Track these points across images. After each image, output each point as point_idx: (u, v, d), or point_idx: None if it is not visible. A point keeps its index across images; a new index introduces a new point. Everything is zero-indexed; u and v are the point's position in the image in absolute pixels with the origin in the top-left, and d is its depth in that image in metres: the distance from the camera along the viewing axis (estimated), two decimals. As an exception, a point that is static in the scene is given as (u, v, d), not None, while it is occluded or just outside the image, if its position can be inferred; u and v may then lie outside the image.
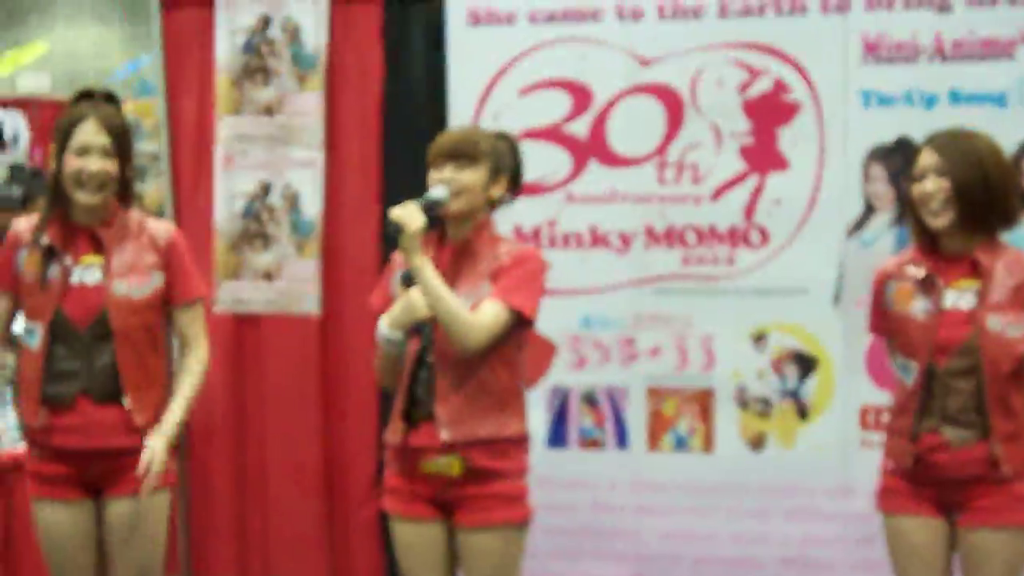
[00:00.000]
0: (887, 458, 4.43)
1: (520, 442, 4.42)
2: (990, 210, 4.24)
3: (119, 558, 4.50)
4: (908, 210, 4.41)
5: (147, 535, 4.50)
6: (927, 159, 4.28)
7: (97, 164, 4.41)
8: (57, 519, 4.52)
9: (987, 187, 4.21)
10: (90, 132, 4.44)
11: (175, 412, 4.58)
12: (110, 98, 4.60)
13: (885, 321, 4.41)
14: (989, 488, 4.22)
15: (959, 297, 4.24)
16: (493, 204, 4.43)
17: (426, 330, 4.32)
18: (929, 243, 4.32)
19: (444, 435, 4.28)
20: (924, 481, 4.29)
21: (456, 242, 4.34)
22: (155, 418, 4.54)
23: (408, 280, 4.25)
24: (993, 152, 4.28)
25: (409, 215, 4.17)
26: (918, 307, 4.28)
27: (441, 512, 4.37)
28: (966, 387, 4.21)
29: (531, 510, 4.39)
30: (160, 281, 4.58)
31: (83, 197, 4.43)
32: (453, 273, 4.30)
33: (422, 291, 4.21)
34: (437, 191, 4.27)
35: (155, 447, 4.44)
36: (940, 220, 4.23)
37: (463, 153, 4.31)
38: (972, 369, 4.21)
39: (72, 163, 4.44)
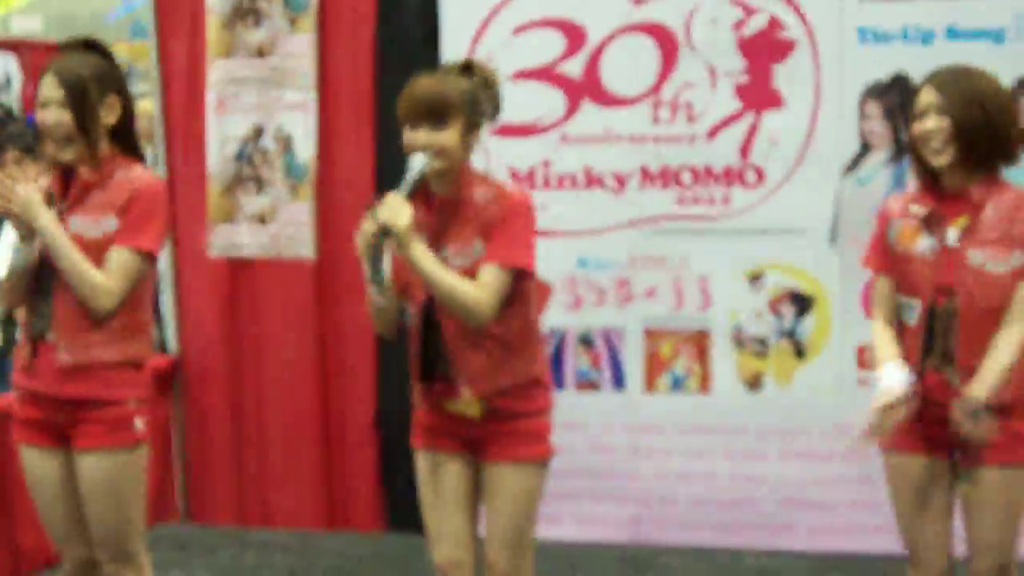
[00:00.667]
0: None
1: (541, 382, 4.40)
2: (990, 148, 4.19)
3: (91, 515, 4.42)
4: (910, 148, 4.36)
5: (120, 492, 4.40)
6: (928, 97, 4.23)
7: (53, 117, 4.31)
8: (34, 464, 4.47)
9: (987, 125, 4.16)
10: (48, 85, 4.34)
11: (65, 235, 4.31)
12: (91, 46, 4.48)
13: (889, 259, 4.37)
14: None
15: (958, 234, 4.21)
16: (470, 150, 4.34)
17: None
18: (931, 181, 4.28)
19: (466, 393, 4.27)
20: (926, 419, 4.26)
21: (442, 197, 4.26)
22: (89, 362, 4.34)
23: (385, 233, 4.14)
24: (994, 90, 4.23)
25: (395, 213, 4.08)
26: (922, 246, 4.23)
27: (467, 448, 4.37)
28: (957, 325, 4.19)
29: (553, 448, 4.39)
30: (114, 226, 4.34)
31: (52, 149, 4.36)
32: (443, 229, 4.22)
33: (423, 278, 4.14)
34: (418, 162, 4.16)
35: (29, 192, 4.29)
36: (941, 158, 4.19)
37: (437, 113, 4.18)
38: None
39: (38, 116, 4.38)
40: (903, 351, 4.29)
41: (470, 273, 4.17)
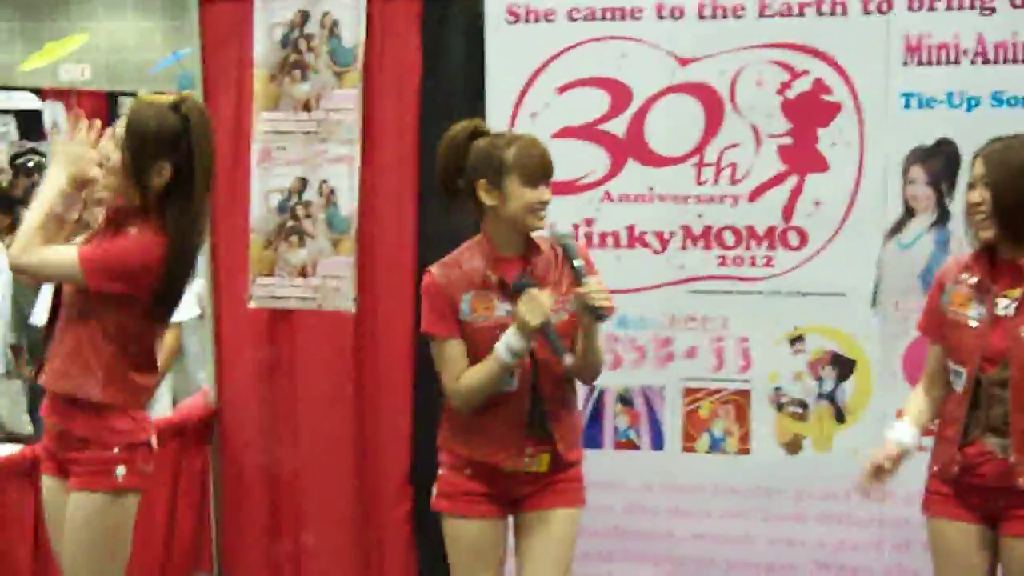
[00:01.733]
0: (934, 462, 4.38)
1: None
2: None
3: (63, 554, 4.47)
4: (965, 217, 4.34)
5: (93, 537, 4.42)
6: (977, 169, 4.22)
7: (106, 150, 4.41)
8: (45, 492, 4.55)
9: (1019, 200, 4.12)
10: (119, 124, 4.43)
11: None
12: (176, 106, 4.51)
13: (940, 325, 4.34)
14: (1026, 500, 4.16)
15: (1010, 305, 4.18)
16: None
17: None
18: (987, 249, 4.25)
19: (562, 450, 4.34)
20: (969, 488, 4.23)
21: (524, 256, 4.38)
22: (62, 389, 4.44)
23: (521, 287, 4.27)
24: None
25: (603, 295, 4.30)
26: (972, 314, 4.22)
27: (507, 509, 4.40)
28: (1007, 396, 4.16)
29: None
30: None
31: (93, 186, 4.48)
32: (540, 284, 4.32)
33: (596, 345, 4.40)
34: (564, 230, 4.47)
35: None
36: (985, 232, 4.17)
37: (552, 173, 4.37)
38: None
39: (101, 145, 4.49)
40: (948, 418, 4.27)
41: (572, 325, 4.30)
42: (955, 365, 4.27)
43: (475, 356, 4.30)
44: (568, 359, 4.29)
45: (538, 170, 4.32)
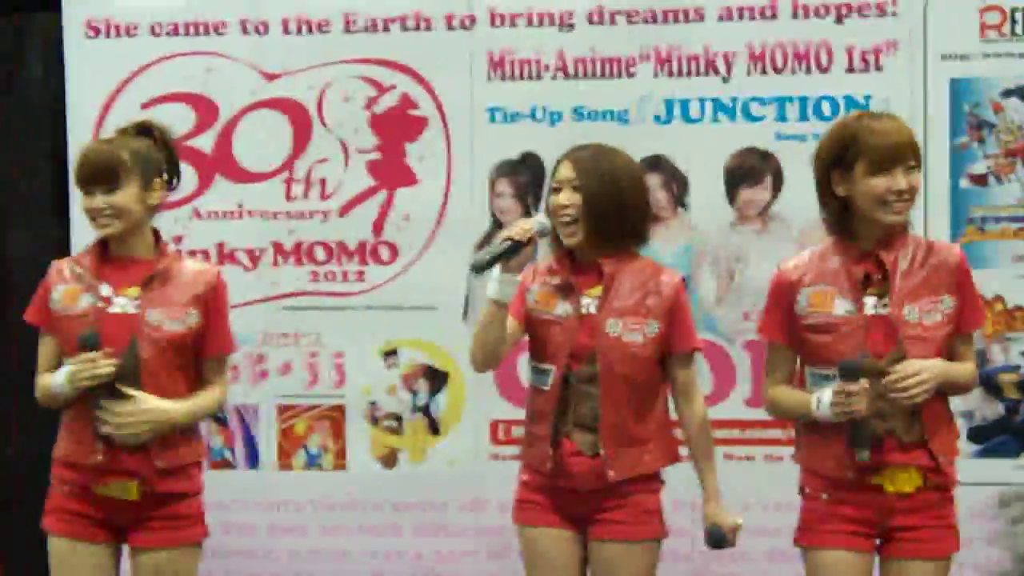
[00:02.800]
0: (523, 467, 4.43)
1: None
2: (621, 226, 4.25)
3: None
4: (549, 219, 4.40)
5: None
6: (565, 172, 4.28)
7: None
8: None
9: (619, 203, 4.22)
10: None
11: None
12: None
13: (527, 323, 4.40)
14: (617, 500, 4.25)
15: (592, 304, 4.27)
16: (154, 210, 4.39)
17: None
18: (567, 251, 4.34)
19: (160, 477, 4.21)
20: (559, 491, 4.30)
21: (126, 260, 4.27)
22: None
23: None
24: (627, 169, 4.27)
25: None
26: (558, 312, 4.29)
27: (115, 534, 4.26)
28: (595, 393, 4.24)
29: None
30: None
31: None
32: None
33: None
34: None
35: None
36: (573, 236, 4.25)
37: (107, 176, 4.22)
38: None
39: None
40: (536, 417, 4.34)
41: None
42: (542, 364, 4.34)
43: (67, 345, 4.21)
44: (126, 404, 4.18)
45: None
